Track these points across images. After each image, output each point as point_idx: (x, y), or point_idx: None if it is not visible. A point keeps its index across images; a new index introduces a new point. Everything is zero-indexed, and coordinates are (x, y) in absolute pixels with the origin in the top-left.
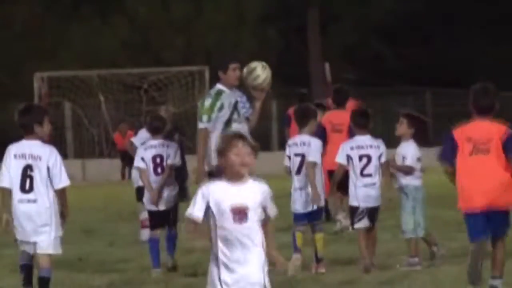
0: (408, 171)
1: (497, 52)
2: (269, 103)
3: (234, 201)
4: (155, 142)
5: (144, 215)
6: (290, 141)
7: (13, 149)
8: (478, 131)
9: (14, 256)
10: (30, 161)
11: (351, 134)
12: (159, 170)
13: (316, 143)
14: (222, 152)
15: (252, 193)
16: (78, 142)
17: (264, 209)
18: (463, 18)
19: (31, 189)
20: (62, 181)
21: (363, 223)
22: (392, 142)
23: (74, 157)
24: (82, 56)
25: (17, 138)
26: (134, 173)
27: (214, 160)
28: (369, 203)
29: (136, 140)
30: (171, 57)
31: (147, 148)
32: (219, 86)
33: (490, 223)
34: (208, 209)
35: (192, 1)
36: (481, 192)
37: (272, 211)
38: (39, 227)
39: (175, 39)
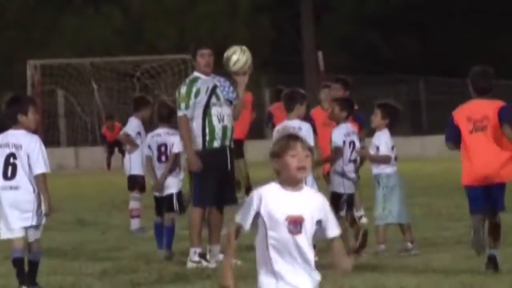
0: (385, 160)
1: (490, 41)
2: (262, 91)
3: (290, 210)
4: (160, 130)
5: (134, 205)
6: (279, 127)
7: None
8: (476, 110)
9: (7, 243)
10: (13, 150)
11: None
12: (163, 158)
13: (306, 127)
14: (277, 154)
15: (309, 203)
16: (71, 130)
17: (323, 224)
18: (456, 8)
19: (13, 176)
20: (40, 167)
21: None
22: None
23: (67, 145)
24: (75, 45)
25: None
26: (126, 162)
27: (196, 146)
28: (351, 190)
29: (129, 130)
30: (165, 46)
31: (153, 136)
32: (194, 73)
33: (489, 197)
34: (258, 216)
35: None
36: (481, 167)
37: (335, 230)
38: (23, 213)
39: (169, 28)
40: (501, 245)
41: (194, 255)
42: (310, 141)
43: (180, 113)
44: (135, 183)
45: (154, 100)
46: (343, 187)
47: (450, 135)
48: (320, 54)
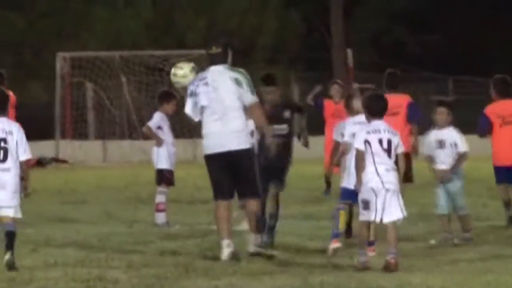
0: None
1: None
2: (291, 87)
3: None
4: None
5: (160, 199)
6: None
7: None
8: (505, 108)
9: (34, 235)
10: (4, 135)
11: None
12: None
13: None
14: None
15: None
16: (99, 123)
17: None
18: (485, 7)
19: (5, 159)
20: (27, 153)
21: None
22: None
23: (95, 138)
24: (105, 37)
25: (38, 113)
26: (154, 156)
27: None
28: None
29: (151, 123)
30: (194, 40)
31: None
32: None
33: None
34: None
35: None
36: (507, 153)
37: None
38: (12, 193)
39: (198, 21)
40: None
41: (226, 247)
42: None
43: (255, 99)
44: (163, 177)
45: (181, 94)
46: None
47: (481, 127)
48: (349, 50)
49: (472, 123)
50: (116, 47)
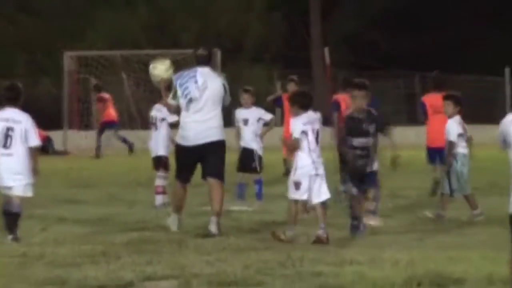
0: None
1: (481, 40)
2: (274, 84)
3: None
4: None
5: (159, 182)
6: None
7: None
8: (435, 100)
9: (44, 215)
10: (11, 124)
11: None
12: None
13: None
14: None
15: None
16: None
17: None
18: (451, 8)
19: (9, 145)
20: (35, 141)
21: None
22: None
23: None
24: (107, 37)
25: (48, 106)
26: (153, 144)
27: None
28: None
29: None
30: (187, 40)
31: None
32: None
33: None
34: None
35: None
36: (437, 136)
37: None
38: (14, 175)
39: (191, 23)
40: None
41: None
42: None
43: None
44: (161, 162)
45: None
46: None
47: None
48: (326, 49)
49: None
50: (117, 47)
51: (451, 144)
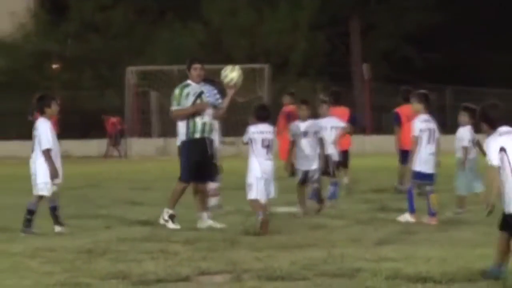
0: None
1: (507, 57)
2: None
3: None
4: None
5: (211, 186)
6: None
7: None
8: (409, 110)
9: (108, 215)
10: (35, 132)
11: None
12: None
13: None
14: None
15: None
16: (161, 123)
17: None
18: (479, 27)
19: (33, 150)
20: (44, 144)
21: None
22: None
23: (158, 136)
24: (166, 54)
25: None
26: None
27: (182, 136)
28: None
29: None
30: (238, 56)
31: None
32: (187, 80)
33: None
34: None
35: (256, 9)
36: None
37: None
38: (32, 174)
39: (242, 41)
40: None
41: (166, 214)
42: None
43: (173, 108)
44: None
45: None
46: None
47: (396, 121)
48: (365, 65)
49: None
50: (175, 62)
51: (465, 149)
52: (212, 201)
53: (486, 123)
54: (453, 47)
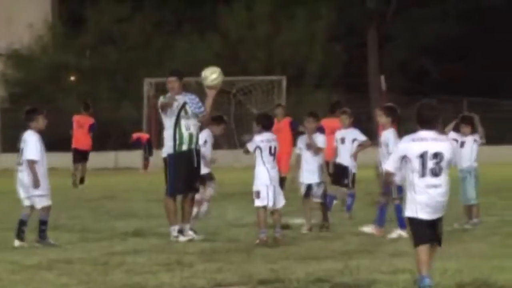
0: None
1: None
2: None
3: None
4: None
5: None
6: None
7: None
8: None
9: (124, 227)
10: (22, 145)
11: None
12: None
13: None
14: None
15: None
16: None
17: None
18: (494, 40)
19: (21, 162)
20: (26, 155)
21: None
22: None
23: None
24: (183, 65)
25: (129, 128)
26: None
27: (169, 149)
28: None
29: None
30: (255, 68)
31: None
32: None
33: None
34: None
35: (273, 21)
36: None
37: None
38: (27, 188)
39: (259, 53)
40: None
41: (173, 231)
42: None
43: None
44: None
45: (246, 112)
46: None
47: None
48: (382, 77)
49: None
50: (192, 74)
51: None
52: (204, 207)
53: (417, 121)
54: (470, 58)
